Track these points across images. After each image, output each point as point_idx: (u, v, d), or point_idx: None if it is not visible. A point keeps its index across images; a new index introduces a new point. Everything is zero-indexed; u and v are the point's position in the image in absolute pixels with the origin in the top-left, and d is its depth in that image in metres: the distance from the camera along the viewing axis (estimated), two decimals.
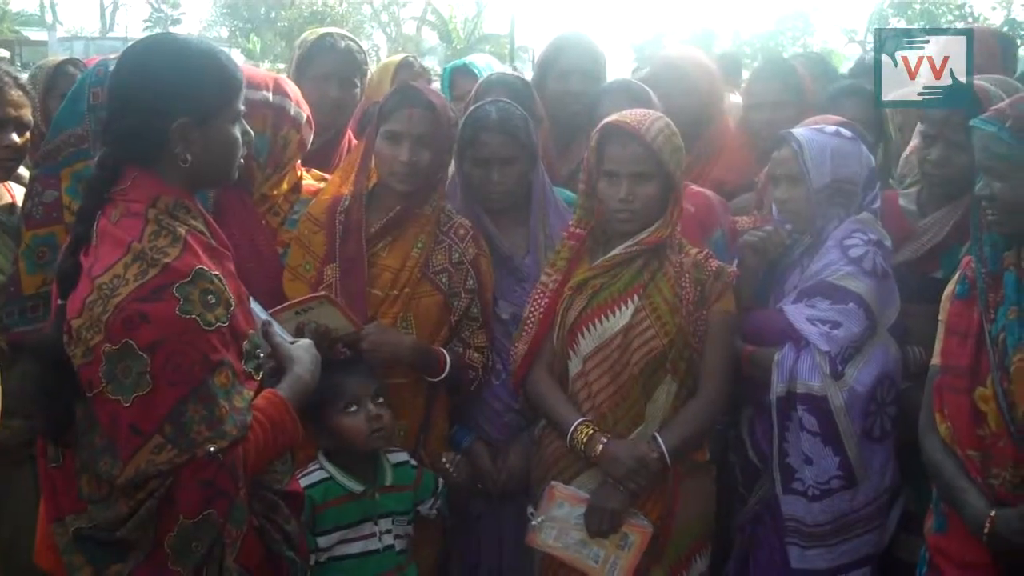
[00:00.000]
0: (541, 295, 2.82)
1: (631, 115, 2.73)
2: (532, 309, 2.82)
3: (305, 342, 2.21)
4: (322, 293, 2.66)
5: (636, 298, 2.70)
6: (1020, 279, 2.22)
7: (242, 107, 2.05)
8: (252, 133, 2.14)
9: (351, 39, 3.55)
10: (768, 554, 2.83)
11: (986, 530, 2.17)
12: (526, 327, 2.82)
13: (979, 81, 2.76)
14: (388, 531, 2.65)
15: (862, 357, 2.67)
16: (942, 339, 2.38)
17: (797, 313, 2.70)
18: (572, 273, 2.80)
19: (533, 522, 2.75)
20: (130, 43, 2.13)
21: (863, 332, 2.66)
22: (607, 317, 2.71)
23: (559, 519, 2.72)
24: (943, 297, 2.43)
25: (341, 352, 2.68)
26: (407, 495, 2.71)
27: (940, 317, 2.41)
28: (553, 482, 2.76)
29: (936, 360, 2.39)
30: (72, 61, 4.22)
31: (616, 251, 2.74)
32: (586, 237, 2.82)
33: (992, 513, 2.17)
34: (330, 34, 3.52)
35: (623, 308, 2.71)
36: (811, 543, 2.71)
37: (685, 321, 2.69)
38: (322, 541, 2.57)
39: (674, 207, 2.70)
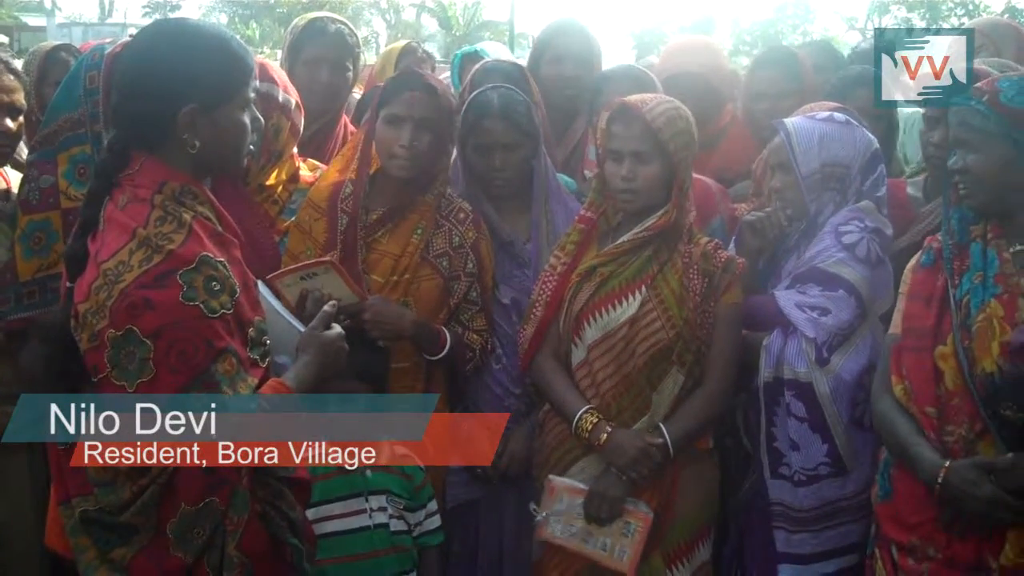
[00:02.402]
0: (549, 278, 2.81)
1: (639, 96, 2.74)
2: (540, 292, 2.82)
3: (335, 332, 2.18)
4: (327, 259, 2.65)
5: (644, 289, 2.70)
6: (986, 249, 2.31)
7: (252, 94, 2.03)
8: (262, 120, 2.13)
9: (342, 23, 3.53)
10: (760, 539, 2.83)
11: (939, 480, 2.23)
12: (534, 310, 2.82)
13: (981, 65, 2.77)
14: (382, 508, 2.62)
15: (851, 345, 2.67)
16: (903, 307, 2.44)
17: (787, 299, 2.71)
18: (581, 257, 2.80)
19: (538, 518, 2.76)
20: (129, 29, 2.13)
21: (852, 320, 2.67)
22: (614, 307, 2.71)
23: (562, 512, 2.73)
24: (906, 270, 2.49)
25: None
26: (403, 481, 2.67)
27: (901, 290, 2.47)
28: (550, 476, 2.76)
29: (895, 329, 2.45)
30: (65, 47, 4.21)
31: (624, 238, 2.74)
32: (597, 221, 2.82)
33: (946, 464, 2.24)
34: (320, 18, 3.51)
35: (630, 299, 2.70)
36: (797, 528, 2.72)
37: (692, 314, 2.69)
38: (308, 514, 2.54)
39: (678, 192, 2.69)
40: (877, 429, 2.48)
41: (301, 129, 3.01)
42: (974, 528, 2.25)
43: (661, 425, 2.67)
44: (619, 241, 2.74)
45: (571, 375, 2.77)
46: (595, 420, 2.67)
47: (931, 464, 2.26)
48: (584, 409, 2.69)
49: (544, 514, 2.74)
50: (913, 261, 2.48)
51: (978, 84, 2.34)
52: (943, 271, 2.37)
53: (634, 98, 2.71)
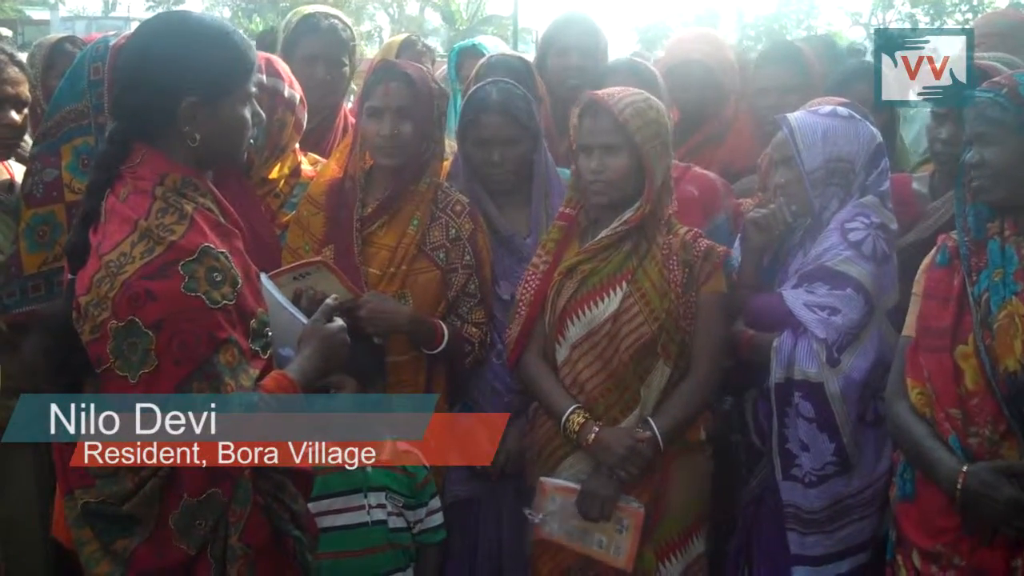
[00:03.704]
0: (532, 277, 2.81)
1: (608, 90, 2.74)
2: (524, 291, 2.82)
3: (338, 324, 2.18)
4: (319, 259, 2.66)
5: (624, 284, 2.70)
6: (1004, 246, 2.29)
7: (254, 88, 2.04)
8: (263, 115, 2.13)
9: (335, 16, 3.53)
10: (769, 536, 2.83)
11: (959, 485, 2.20)
12: (518, 310, 2.82)
13: (985, 61, 2.76)
14: (381, 506, 2.62)
15: (859, 343, 2.66)
16: (918, 308, 2.41)
17: (796, 298, 2.69)
18: (562, 255, 2.79)
19: (535, 520, 2.75)
20: (132, 23, 2.13)
21: (861, 318, 2.66)
22: (595, 304, 2.71)
23: (556, 512, 2.73)
24: (919, 271, 2.46)
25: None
26: (404, 478, 2.68)
27: (915, 290, 2.45)
28: (541, 478, 2.76)
29: (909, 331, 2.43)
30: (70, 39, 4.19)
31: (603, 234, 2.74)
32: (576, 218, 2.82)
33: (964, 468, 2.21)
34: (313, 14, 3.50)
35: (611, 295, 2.70)
36: (809, 529, 2.71)
37: (674, 305, 2.69)
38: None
39: (650, 184, 2.68)
40: (892, 434, 2.46)
41: (305, 124, 3.02)
42: (1001, 536, 2.21)
43: (649, 419, 2.67)
44: (598, 237, 2.74)
45: (557, 374, 2.76)
46: (582, 420, 2.67)
47: (950, 469, 2.23)
48: (571, 408, 2.68)
49: (540, 516, 2.74)
50: (927, 260, 2.45)
51: (995, 79, 2.33)
52: (959, 270, 2.34)
53: (602, 92, 2.72)
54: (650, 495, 2.71)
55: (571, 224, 2.81)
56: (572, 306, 2.73)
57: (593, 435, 2.65)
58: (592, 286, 2.72)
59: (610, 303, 2.70)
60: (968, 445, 2.25)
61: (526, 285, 2.82)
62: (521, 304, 2.81)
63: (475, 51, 4.33)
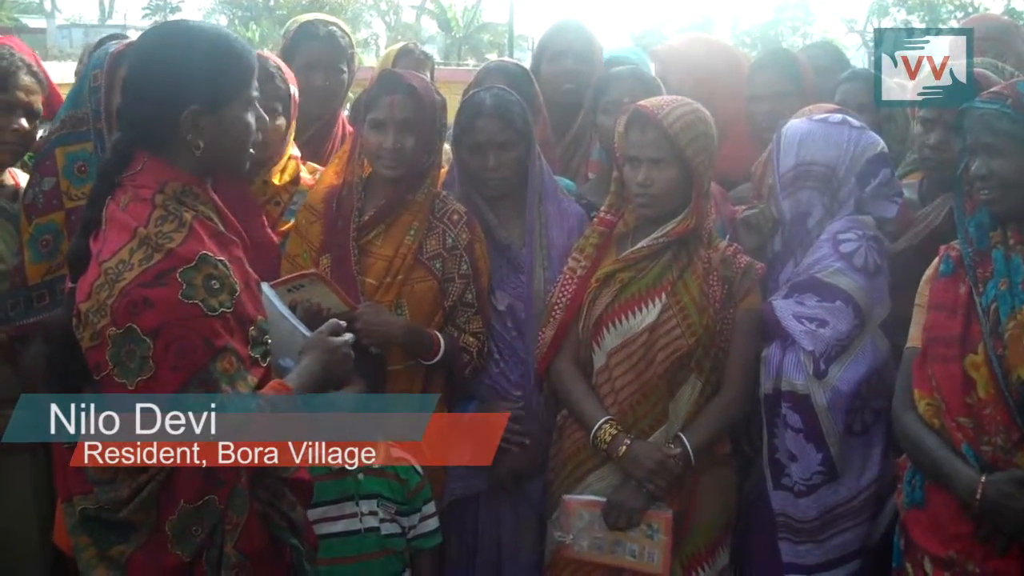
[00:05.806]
0: (569, 281, 2.80)
1: (656, 100, 2.74)
2: (559, 295, 2.81)
3: (342, 338, 2.18)
4: (312, 271, 2.66)
5: (664, 296, 2.69)
6: (1008, 255, 2.28)
7: (256, 93, 2.04)
8: (267, 119, 2.14)
9: (334, 23, 3.55)
10: (763, 544, 2.82)
11: (978, 496, 2.20)
12: (553, 313, 2.80)
13: (977, 68, 2.77)
14: (373, 513, 2.62)
15: (849, 355, 2.65)
16: (924, 318, 2.41)
17: (785, 309, 2.69)
18: (601, 260, 2.79)
19: (565, 541, 2.74)
20: (129, 30, 2.14)
21: (851, 330, 2.65)
22: (633, 314, 2.70)
23: (585, 528, 2.72)
24: (922, 282, 2.46)
25: None
26: (396, 485, 2.67)
27: (918, 302, 2.45)
28: (565, 496, 2.75)
29: (914, 342, 2.42)
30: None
31: (643, 243, 2.73)
32: (616, 223, 2.81)
33: (982, 479, 2.21)
34: (311, 22, 3.53)
35: (650, 306, 2.70)
36: (802, 538, 2.71)
37: (712, 320, 2.68)
38: None
39: (698, 197, 2.68)
40: (902, 446, 2.45)
41: (294, 121, 3.05)
42: (1016, 542, 2.21)
43: (681, 435, 2.67)
44: (638, 246, 2.74)
45: (591, 381, 2.76)
46: (614, 432, 2.66)
47: (968, 479, 2.23)
48: (603, 420, 2.68)
49: (570, 536, 2.73)
50: (930, 271, 2.45)
51: (995, 89, 2.32)
52: (964, 279, 2.33)
53: (650, 103, 2.70)
54: (678, 508, 2.70)
55: (611, 229, 2.81)
56: (609, 314, 2.72)
57: (624, 447, 2.64)
58: (630, 295, 2.72)
59: (648, 314, 2.69)
60: (982, 453, 2.25)
61: (562, 288, 2.81)
62: (556, 308, 2.80)
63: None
